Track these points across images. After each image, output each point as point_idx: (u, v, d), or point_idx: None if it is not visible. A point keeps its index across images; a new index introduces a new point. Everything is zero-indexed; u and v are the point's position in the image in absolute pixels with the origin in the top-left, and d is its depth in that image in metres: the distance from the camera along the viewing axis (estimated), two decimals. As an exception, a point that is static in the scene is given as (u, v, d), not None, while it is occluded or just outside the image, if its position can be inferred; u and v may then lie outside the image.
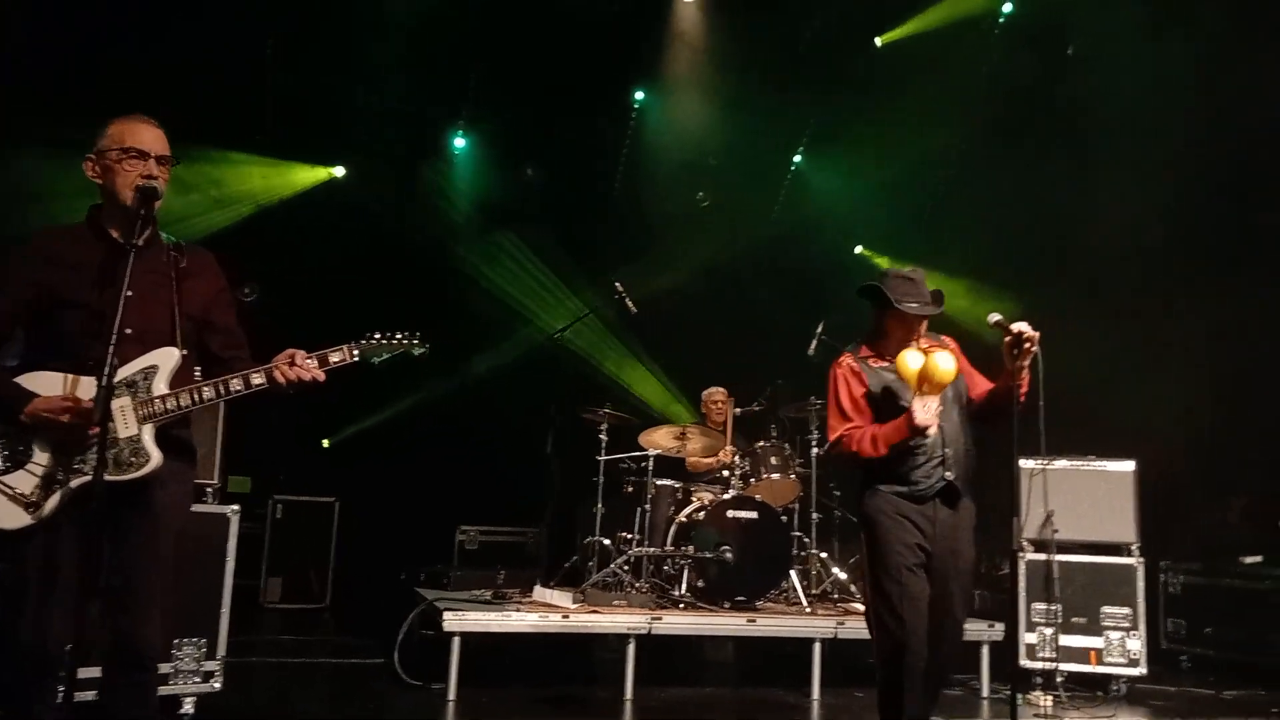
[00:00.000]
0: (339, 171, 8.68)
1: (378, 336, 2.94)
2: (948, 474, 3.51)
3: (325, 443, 9.23)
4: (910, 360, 3.44)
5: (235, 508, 4.33)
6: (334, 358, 2.87)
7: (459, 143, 9.05)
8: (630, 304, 6.32)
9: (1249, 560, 6.48)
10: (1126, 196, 7.43)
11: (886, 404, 3.57)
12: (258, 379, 2.79)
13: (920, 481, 3.52)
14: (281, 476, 8.30)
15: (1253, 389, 7.12)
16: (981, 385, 3.70)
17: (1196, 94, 7.03)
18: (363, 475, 8.40)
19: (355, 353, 2.90)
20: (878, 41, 8.25)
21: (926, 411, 3.36)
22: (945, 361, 3.38)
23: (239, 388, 2.79)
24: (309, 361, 2.81)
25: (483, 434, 8.46)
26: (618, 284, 6.35)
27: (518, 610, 5.30)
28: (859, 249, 10.12)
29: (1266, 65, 6.66)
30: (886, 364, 3.63)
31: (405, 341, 2.98)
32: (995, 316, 3.42)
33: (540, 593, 5.81)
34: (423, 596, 5.78)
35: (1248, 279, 6.99)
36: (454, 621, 4.89)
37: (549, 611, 5.31)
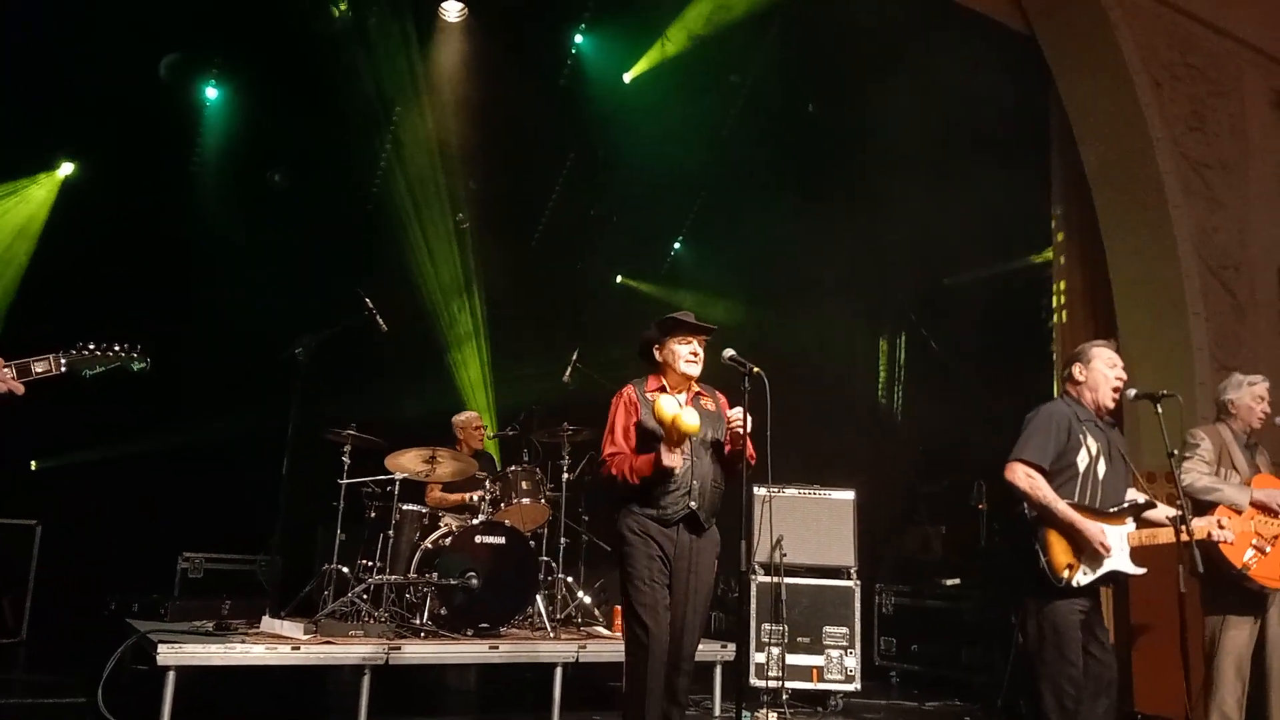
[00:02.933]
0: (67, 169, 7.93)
1: (91, 347, 2.69)
2: (692, 503, 3.89)
3: (34, 464, 8.26)
4: (664, 406, 3.78)
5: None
6: (37, 368, 2.60)
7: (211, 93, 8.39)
8: (380, 321, 6.14)
9: (948, 582, 7.16)
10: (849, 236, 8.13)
11: (652, 437, 3.88)
12: (-60, 390, 2.48)
13: (668, 507, 3.88)
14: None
15: (954, 429, 7.95)
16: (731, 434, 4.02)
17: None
18: (72, 496, 7.58)
19: (63, 364, 2.64)
20: (626, 78, 8.52)
21: (672, 457, 3.76)
22: (690, 418, 3.75)
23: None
24: (6, 371, 2.53)
25: (213, 453, 7.89)
26: (367, 300, 6.15)
27: (243, 642, 4.97)
28: (619, 278, 10.39)
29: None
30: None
31: (123, 354, 2.74)
32: (729, 352, 3.89)
33: (269, 623, 5.47)
34: (135, 628, 5.30)
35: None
36: (169, 655, 4.51)
37: (278, 643, 5.01)
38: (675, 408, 3.76)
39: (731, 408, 3.96)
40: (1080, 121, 7.14)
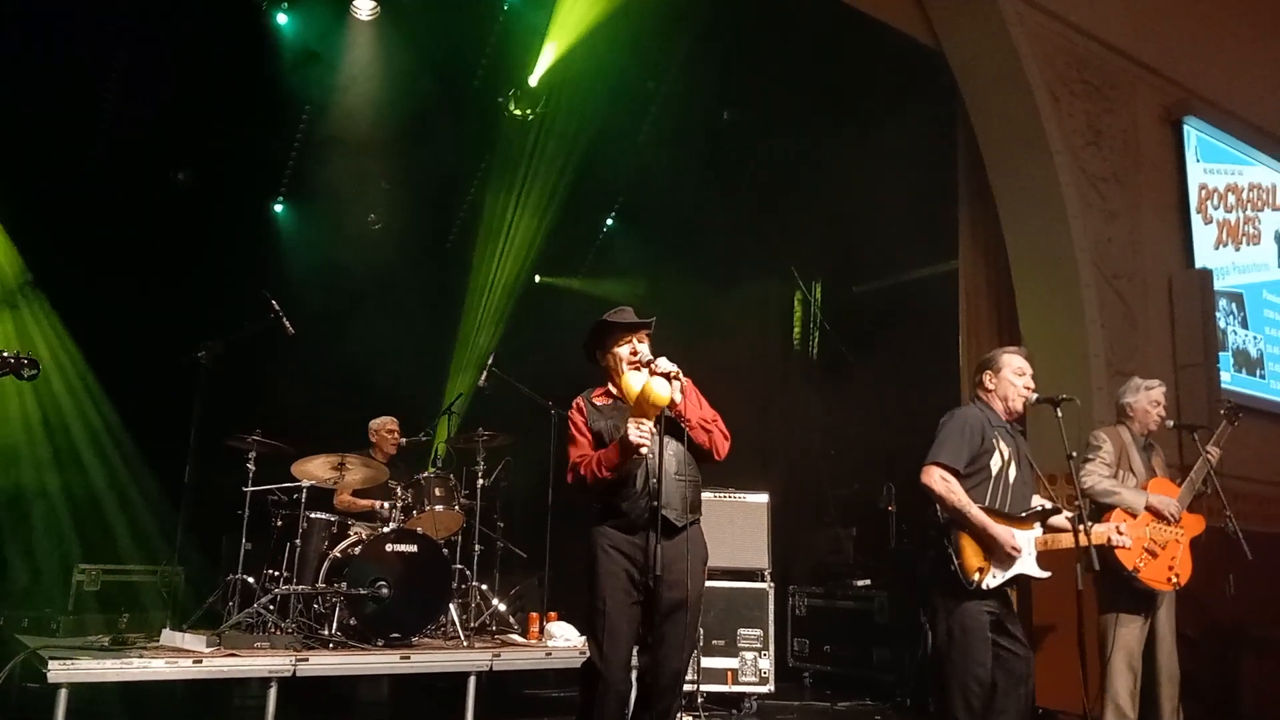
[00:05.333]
0: None
1: (-23, 352, 2.56)
2: (655, 502, 3.56)
3: None
4: (633, 380, 3.61)
5: None
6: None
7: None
8: (287, 324, 5.97)
9: (859, 584, 7.29)
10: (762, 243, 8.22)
11: (607, 436, 3.70)
12: None
13: (630, 512, 3.60)
14: None
15: (864, 433, 8.11)
16: (698, 418, 3.81)
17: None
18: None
19: (-55, 368, 2.50)
20: (532, 81, 8.49)
21: (639, 431, 3.47)
22: (660, 387, 3.48)
23: None
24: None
25: (109, 460, 7.58)
26: (274, 301, 5.98)
27: (141, 656, 4.78)
28: (538, 278, 10.33)
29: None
30: (609, 401, 3.79)
31: (12, 361, 2.62)
32: (645, 355, 3.72)
33: (170, 636, 5.27)
34: (24, 644, 5.05)
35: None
36: (61, 672, 4.30)
37: (179, 657, 4.82)
38: (643, 378, 3.55)
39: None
40: (984, 134, 7.36)
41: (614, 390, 3.83)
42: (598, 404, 3.83)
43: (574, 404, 3.87)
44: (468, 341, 9.66)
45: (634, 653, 3.69)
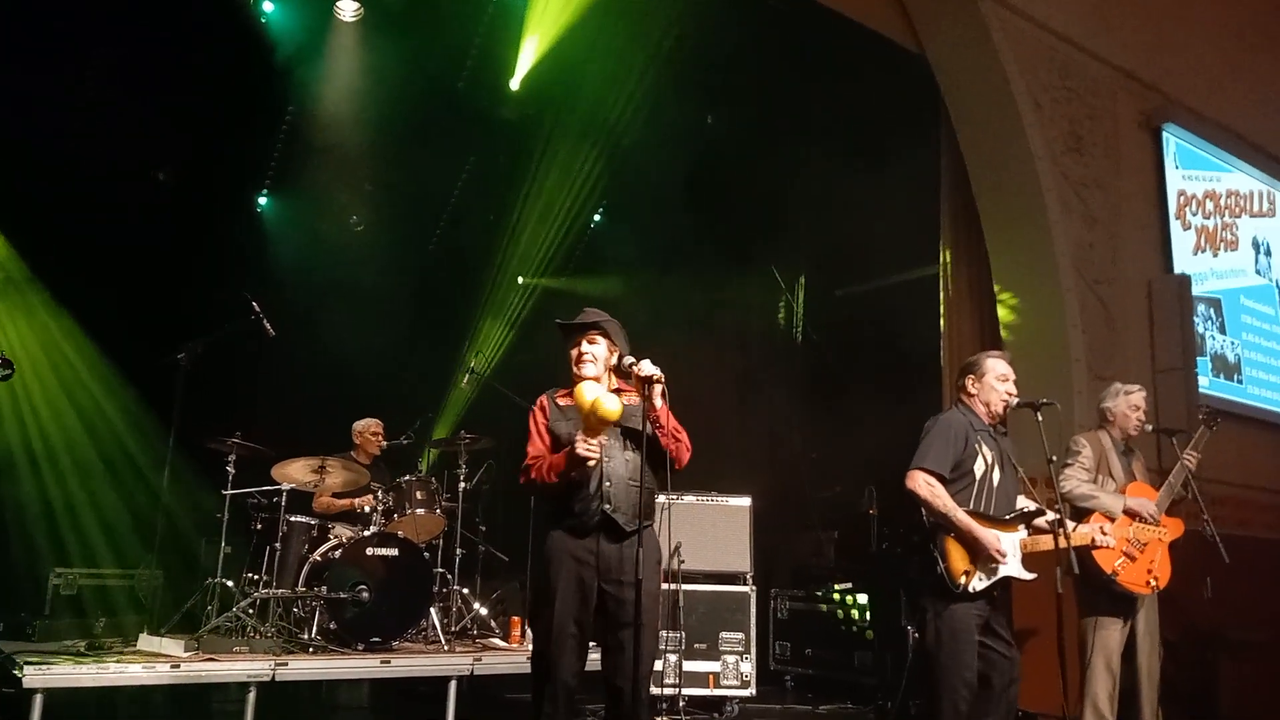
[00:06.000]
0: None
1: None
2: (605, 507, 3.63)
3: None
4: (586, 391, 3.59)
5: None
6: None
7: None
8: (268, 326, 5.93)
9: (840, 587, 7.30)
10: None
11: (562, 442, 3.71)
12: None
13: (580, 515, 3.65)
14: None
15: (845, 437, 8.13)
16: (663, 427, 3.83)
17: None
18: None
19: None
20: (514, 84, 8.46)
21: (587, 446, 3.53)
22: (609, 402, 3.51)
23: None
24: None
25: (86, 462, 7.50)
26: (254, 303, 5.94)
27: (118, 661, 4.73)
28: (521, 279, 10.32)
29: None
30: (572, 402, 3.76)
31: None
32: (627, 360, 3.72)
33: (147, 641, 5.23)
34: (-1, 650, 5.00)
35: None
36: (36, 677, 4.27)
37: (156, 661, 4.78)
38: (595, 392, 3.57)
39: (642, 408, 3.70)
40: (966, 139, 7.40)
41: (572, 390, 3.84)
42: (561, 404, 3.84)
43: (537, 402, 3.91)
44: (451, 343, 9.63)
45: (586, 656, 3.72)
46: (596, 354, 3.81)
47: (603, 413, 3.49)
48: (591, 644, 3.74)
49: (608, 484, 3.64)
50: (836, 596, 7.23)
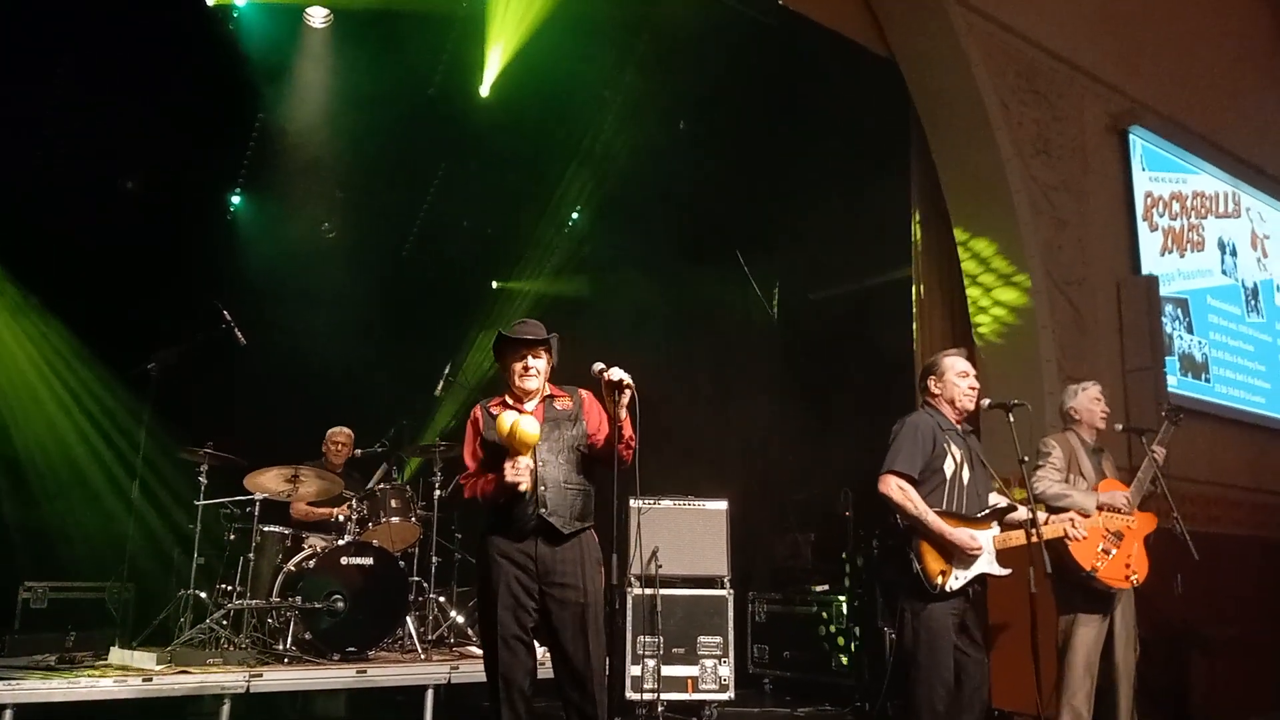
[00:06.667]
0: None
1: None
2: (541, 510, 3.69)
3: None
4: (504, 420, 3.65)
5: None
6: None
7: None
8: (239, 334, 5.89)
9: (818, 589, 7.33)
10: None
11: (496, 451, 3.73)
12: None
13: (517, 520, 3.71)
14: None
15: (821, 439, 8.17)
16: (602, 431, 3.91)
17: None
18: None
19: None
20: (484, 91, 8.45)
21: (514, 471, 3.62)
22: (528, 426, 3.61)
23: None
24: None
25: (56, 473, 7.40)
26: (225, 312, 5.90)
27: (90, 676, 4.68)
28: (495, 284, 10.29)
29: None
30: (505, 411, 3.78)
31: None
32: (598, 366, 3.72)
33: (119, 654, 5.18)
34: (-33, 666, 4.93)
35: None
36: (6, 692, 4.23)
37: (128, 675, 4.73)
38: (511, 418, 3.63)
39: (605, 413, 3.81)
40: (936, 143, 7.46)
41: (509, 400, 3.89)
42: (494, 413, 3.85)
43: (473, 412, 3.95)
44: (427, 350, 9.57)
45: (536, 657, 3.79)
46: (540, 369, 3.87)
47: (522, 436, 3.60)
48: (543, 648, 3.83)
49: (543, 489, 3.71)
50: (814, 599, 7.25)
